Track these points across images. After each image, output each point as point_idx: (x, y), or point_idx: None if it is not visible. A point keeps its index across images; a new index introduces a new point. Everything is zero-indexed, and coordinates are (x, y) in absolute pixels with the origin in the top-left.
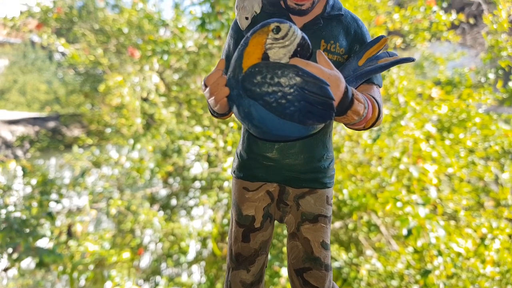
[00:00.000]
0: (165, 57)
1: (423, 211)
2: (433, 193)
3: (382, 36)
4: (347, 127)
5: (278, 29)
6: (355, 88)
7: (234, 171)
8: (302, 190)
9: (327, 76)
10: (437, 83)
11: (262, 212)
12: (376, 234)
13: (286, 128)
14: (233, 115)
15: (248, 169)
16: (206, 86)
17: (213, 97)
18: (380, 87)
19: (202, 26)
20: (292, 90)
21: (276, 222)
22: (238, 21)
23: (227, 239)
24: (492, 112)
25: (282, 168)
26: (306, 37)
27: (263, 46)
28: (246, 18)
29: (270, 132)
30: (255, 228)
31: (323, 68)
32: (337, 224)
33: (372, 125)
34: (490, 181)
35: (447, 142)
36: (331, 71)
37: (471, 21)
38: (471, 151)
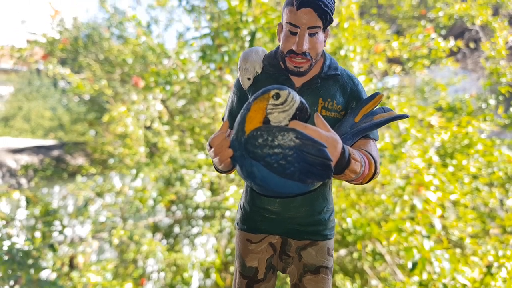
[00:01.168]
0: (168, 87)
1: (427, 244)
2: (437, 224)
3: (377, 93)
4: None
5: (278, 96)
6: (353, 144)
7: (238, 223)
8: (303, 242)
9: (325, 138)
10: (439, 109)
11: (265, 264)
12: (381, 263)
13: (287, 186)
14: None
15: (251, 222)
16: (211, 147)
17: (217, 157)
18: (376, 140)
19: (204, 57)
20: (291, 152)
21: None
22: (240, 81)
23: (230, 269)
24: (495, 137)
25: (284, 221)
26: (304, 101)
27: (264, 111)
28: (248, 79)
29: (272, 190)
30: (259, 280)
31: (321, 130)
32: (342, 252)
33: (369, 180)
34: (496, 207)
35: (451, 168)
36: (328, 133)
37: (472, 45)
38: (475, 177)
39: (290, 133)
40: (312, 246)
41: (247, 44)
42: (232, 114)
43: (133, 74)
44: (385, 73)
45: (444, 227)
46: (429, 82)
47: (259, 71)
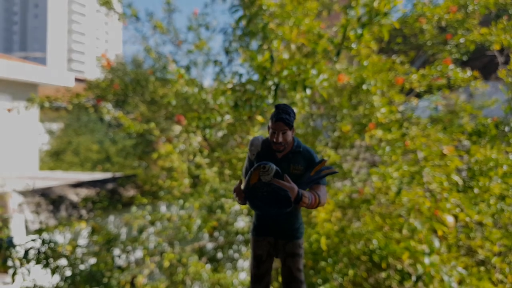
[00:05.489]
0: (207, 131)
1: (427, 260)
2: (436, 243)
3: (323, 159)
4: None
5: (264, 167)
6: (309, 188)
7: (251, 232)
8: (285, 240)
9: (288, 187)
10: (464, 132)
11: (266, 252)
12: (410, 282)
13: (272, 211)
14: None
15: (258, 230)
16: (234, 192)
17: (237, 197)
18: (325, 185)
19: (236, 108)
20: (272, 194)
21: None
22: (249, 155)
23: None
24: None
25: (274, 229)
26: (278, 169)
27: (258, 175)
28: (253, 154)
29: (266, 213)
30: (263, 261)
31: (286, 183)
32: (383, 274)
33: (317, 207)
34: None
35: (476, 190)
36: (290, 184)
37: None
38: (502, 198)
39: (271, 185)
40: (290, 242)
41: (272, 93)
42: (246, 172)
43: (177, 113)
44: (404, 103)
45: (469, 247)
46: (462, 106)
47: (259, 150)
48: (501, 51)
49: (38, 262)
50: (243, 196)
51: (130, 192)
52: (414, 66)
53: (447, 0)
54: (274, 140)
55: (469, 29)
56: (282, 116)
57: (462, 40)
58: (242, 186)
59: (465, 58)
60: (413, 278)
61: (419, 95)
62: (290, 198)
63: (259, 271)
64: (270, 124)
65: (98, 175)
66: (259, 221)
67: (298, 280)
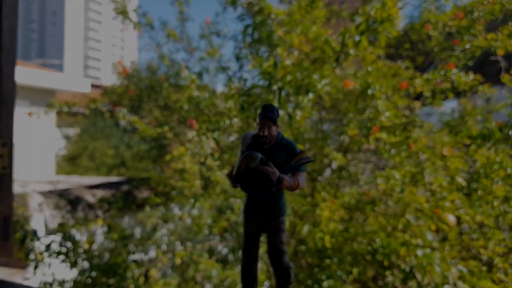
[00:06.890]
0: (216, 133)
1: (420, 252)
2: (429, 236)
3: (302, 151)
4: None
5: (252, 156)
6: (291, 174)
7: (243, 211)
8: (271, 218)
9: (270, 171)
10: (470, 136)
11: (255, 228)
12: (413, 281)
13: (258, 191)
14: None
15: (248, 210)
16: (227, 176)
17: (230, 181)
18: (304, 171)
19: (242, 110)
20: (258, 177)
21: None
22: (241, 147)
23: None
24: None
25: (261, 209)
26: (263, 156)
27: (246, 162)
28: (244, 146)
29: (253, 193)
30: (252, 235)
31: (269, 168)
32: (390, 278)
33: (296, 189)
34: None
35: (479, 192)
36: (272, 169)
37: None
38: (506, 200)
39: (257, 170)
40: (275, 220)
41: (277, 97)
42: (239, 161)
43: (189, 117)
44: (408, 107)
45: (474, 248)
46: (469, 110)
47: (250, 142)
48: (508, 57)
49: (58, 255)
50: (234, 179)
51: (144, 194)
52: (425, 72)
53: (454, 7)
54: (261, 133)
55: (475, 35)
56: (268, 114)
57: (467, 46)
58: (234, 172)
59: (470, 63)
60: (407, 269)
61: (425, 100)
62: (273, 181)
63: (249, 244)
64: (258, 120)
65: (114, 179)
66: (249, 202)
67: (281, 251)
